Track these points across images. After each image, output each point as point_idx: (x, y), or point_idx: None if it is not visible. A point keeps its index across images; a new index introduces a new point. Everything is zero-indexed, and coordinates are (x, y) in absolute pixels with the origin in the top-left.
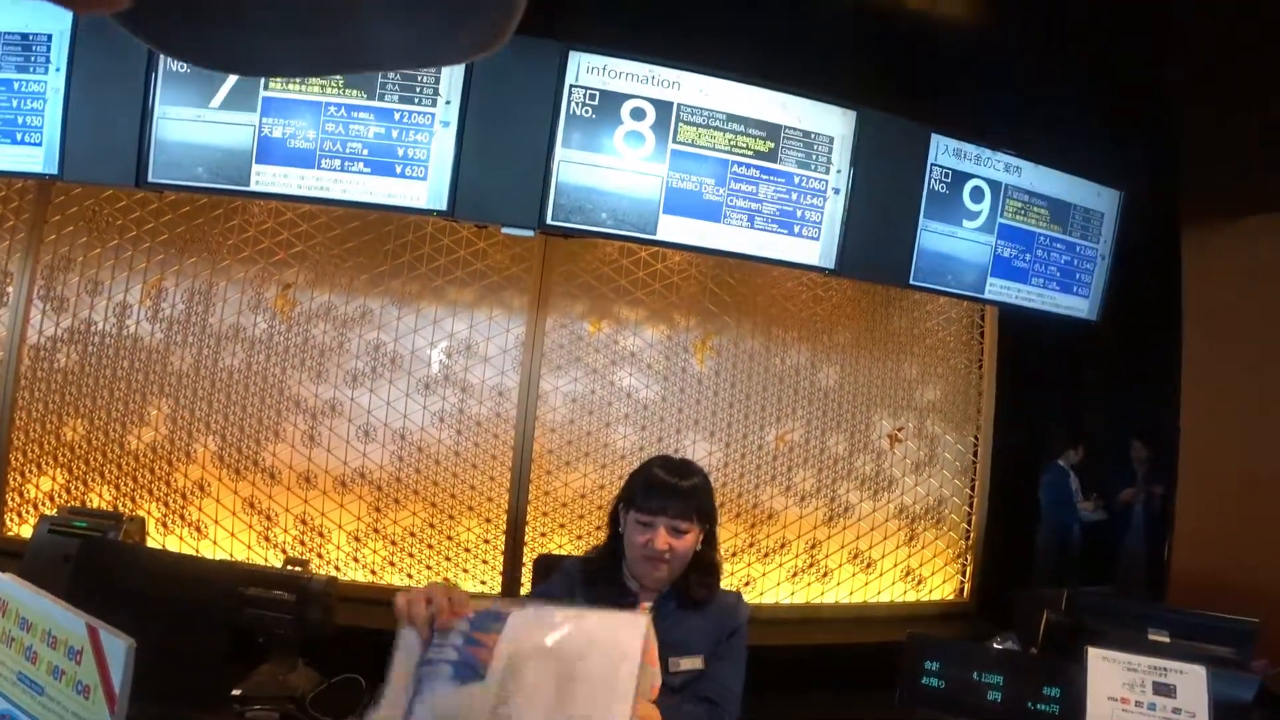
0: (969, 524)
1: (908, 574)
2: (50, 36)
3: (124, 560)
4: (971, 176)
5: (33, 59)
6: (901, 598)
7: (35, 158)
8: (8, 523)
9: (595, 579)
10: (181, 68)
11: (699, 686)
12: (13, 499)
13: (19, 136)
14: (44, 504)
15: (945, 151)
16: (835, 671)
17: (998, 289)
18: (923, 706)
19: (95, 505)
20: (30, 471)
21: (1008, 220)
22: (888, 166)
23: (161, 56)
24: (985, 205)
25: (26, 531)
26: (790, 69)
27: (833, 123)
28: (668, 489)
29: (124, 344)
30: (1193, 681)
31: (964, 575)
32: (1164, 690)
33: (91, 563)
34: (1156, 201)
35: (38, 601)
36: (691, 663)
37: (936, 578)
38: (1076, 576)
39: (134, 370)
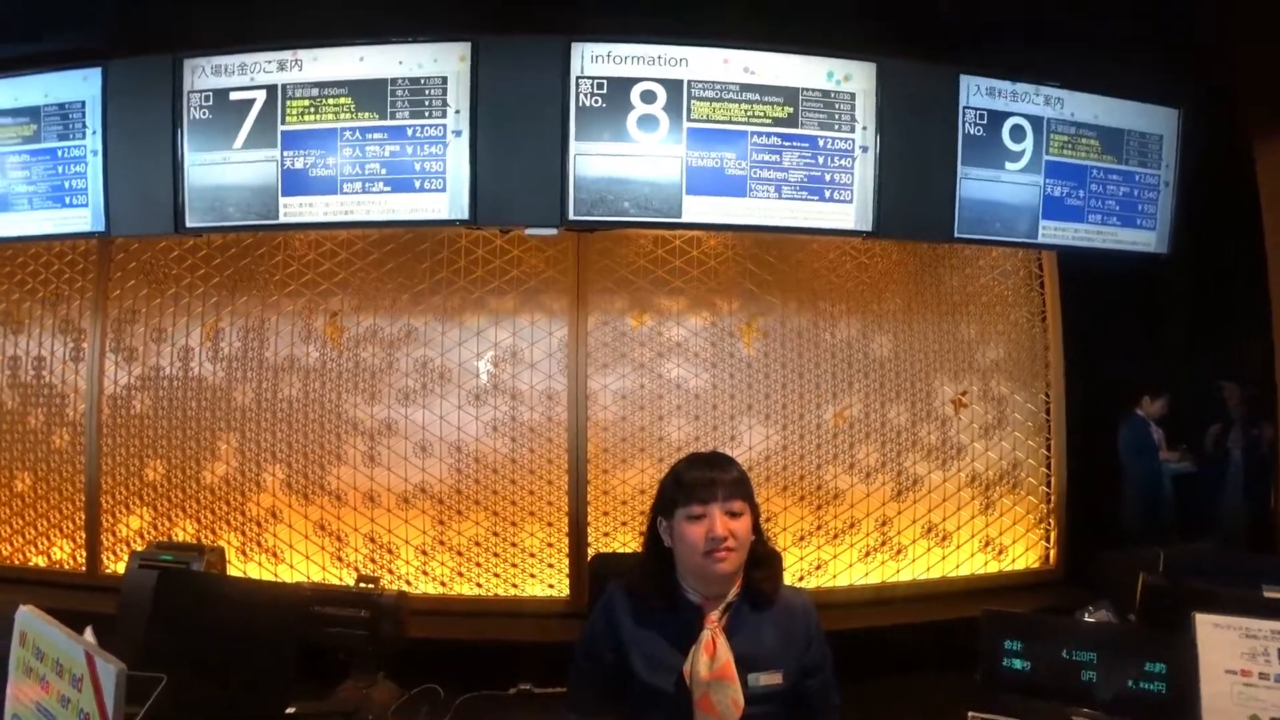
0: (1048, 486)
1: (987, 544)
2: (84, 103)
3: (201, 589)
4: (1009, 115)
5: (70, 126)
6: (982, 569)
7: (84, 218)
8: (105, 561)
9: (653, 599)
10: (204, 114)
11: (808, 712)
12: (107, 538)
13: (67, 200)
14: (134, 541)
15: (977, 92)
16: (915, 652)
17: (1051, 232)
18: (1006, 691)
19: (179, 539)
20: (120, 512)
21: (1054, 156)
22: (916, 116)
23: (186, 108)
24: (1028, 144)
25: (122, 568)
26: (799, 28)
27: (852, 78)
28: (710, 478)
29: (190, 385)
30: None
31: (1048, 541)
32: None
33: (170, 594)
34: (1222, 114)
35: (49, 631)
36: (771, 678)
37: (1018, 546)
38: (1171, 534)
39: (201, 409)
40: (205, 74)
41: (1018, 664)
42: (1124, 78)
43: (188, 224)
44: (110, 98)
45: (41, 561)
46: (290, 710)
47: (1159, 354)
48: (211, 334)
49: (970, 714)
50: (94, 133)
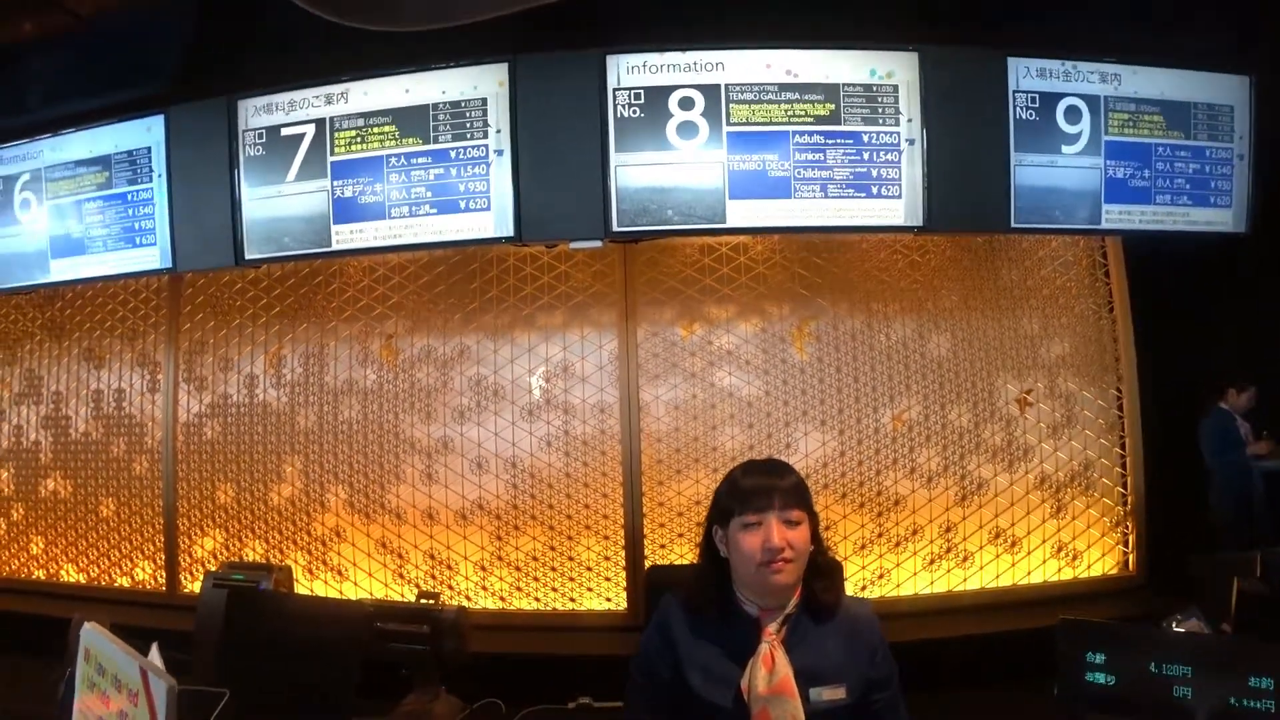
0: (1124, 487)
1: (1059, 550)
2: (150, 149)
3: (268, 607)
4: (1063, 96)
5: (138, 171)
6: (1055, 577)
7: (153, 257)
8: (182, 580)
9: (708, 610)
10: (258, 151)
11: None
12: (184, 559)
13: (137, 240)
14: (209, 561)
15: (1027, 74)
16: (984, 665)
17: (1116, 216)
18: (1089, 708)
19: (250, 559)
20: (195, 534)
21: (1115, 136)
22: (963, 104)
23: (241, 146)
24: (1084, 125)
25: (198, 588)
26: (835, 22)
27: (894, 69)
28: (767, 486)
29: (256, 411)
30: None
31: (1126, 545)
32: None
33: (240, 611)
34: None
35: (109, 647)
36: (834, 693)
37: (1094, 551)
38: (1264, 535)
39: (267, 434)
40: (258, 112)
41: (1100, 678)
42: (1185, 47)
43: (246, 256)
44: (172, 142)
45: (126, 582)
46: None
47: (1243, 342)
48: (274, 361)
49: None
50: (159, 176)
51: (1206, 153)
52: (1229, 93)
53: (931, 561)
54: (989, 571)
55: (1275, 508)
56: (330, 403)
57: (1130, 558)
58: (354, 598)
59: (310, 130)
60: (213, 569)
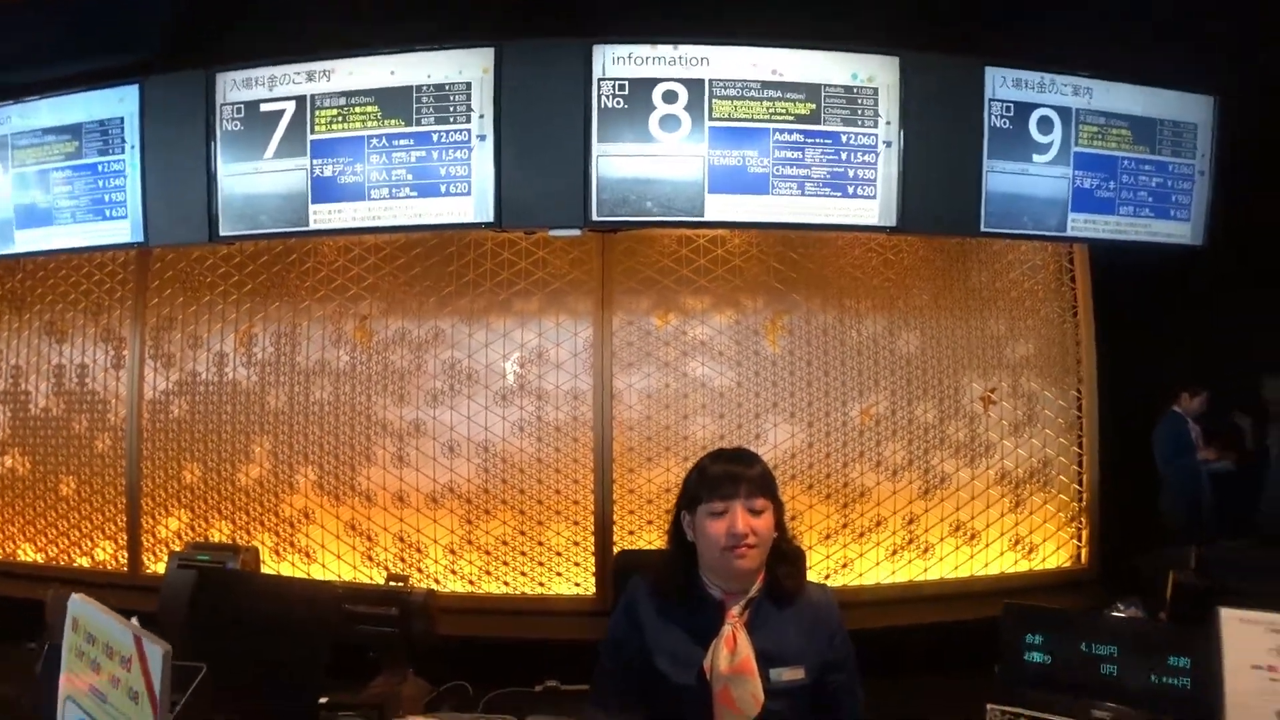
0: (1080, 484)
1: (1016, 543)
2: (122, 119)
3: (235, 587)
4: (1036, 106)
5: (110, 142)
6: (1011, 569)
7: (124, 230)
8: (145, 561)
9: (674, 594)
10: (236, 126)
11: (831, 707)
12: (148, 539)
13: (108, 213)
14: (173, 542)
15: (1003, 83)
16: (942, 651)
17: (1082, 225)
18: (1026, 685)
19: (216, 539)
20: (159, 514)
21: (1084, 147)
22: (941, 109)
23: (219, 121)
24: (1055, 135)
25: (162, 568)
26: (821, 23)
27: (875, 72)
28: (734, 474)
29: (225, 390)
30: None
31: (1080, 540)
32: None
33: (207, 592)
34: (1261, 99)
35: (99, 616)
36: (793, 673)
37: (1049, 545)
38: (1211, 534)
39: (236, 413)
40: (237, 87)
41: (1038, 657)
42: (1156, 65)
43: (221, 233)
44: (147, 113)
45: (86, 562)
46: (323, 700)
47: (1198, 349)
48: (245, 340)
49: (990, 707)
50: (132, 148)
51: (1169, 168)
52: (1194, 111)
53: (894, 552)
54: (949, 563)
55: (1221, 508)
56: (302, 383)
57: (1083, 552)
58: (322, 579)
59: (290, 107)
60: (177, 549)
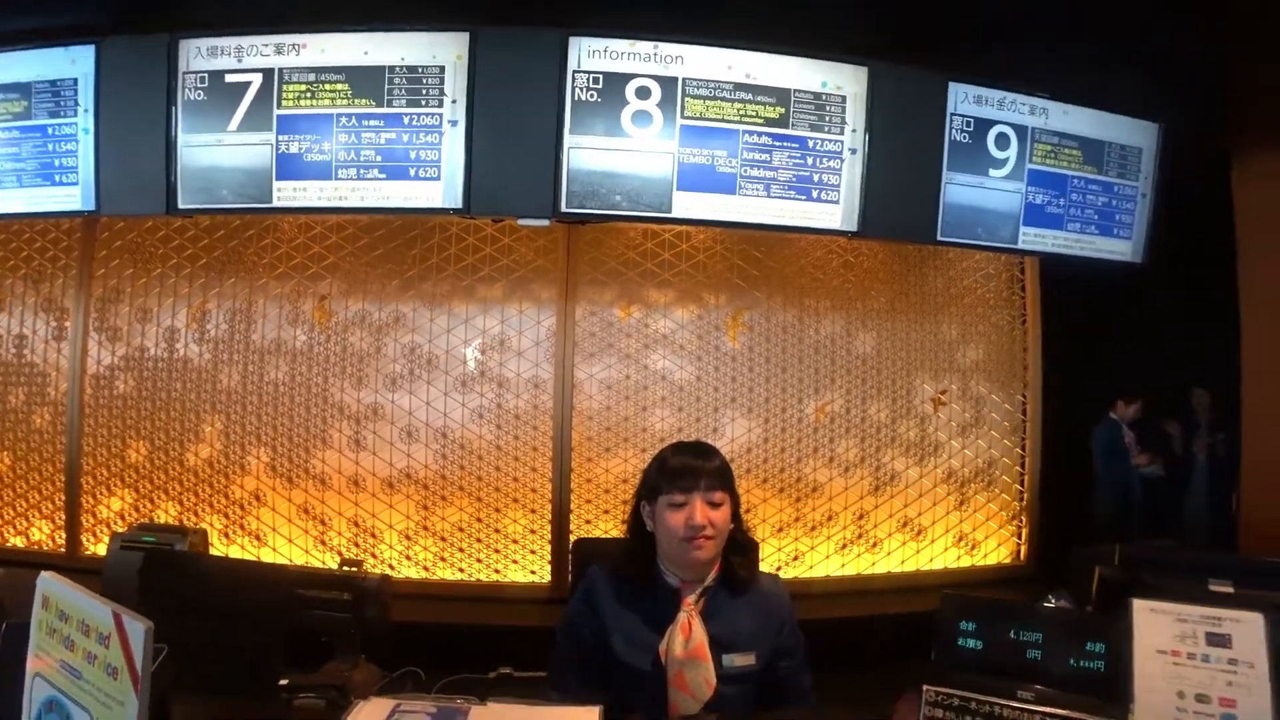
0: (1021, 485)
1: (960, 539)
2: (76, 81)
3: (186, 570)
4: (995, 123)
5: (62, 104)
6: (955, 564)
7: (73, 196)
8: (84, 542)
9: (633, 581)
10: (199, 96)
11: (780, 693)
12: (87, 519)
13: (57, 178)
14: (115, 523)
15: (965, 99)
16: (889, 642)
17: (1032, 238)
18: (959, 668)
19: (162, 521)
20: (101, 493)
21: (1037, 165)
22: (905, 120)
23: (180, 89)
24: (1012, 151)
25: (102, 550)
26: (795, 30)
27: (844, 81)
28: (694, 467)
29: (175, 367)
30: (1249, 630)
31: (1019, 538)
32: (1218, 641)
33: (156, 574)
34: (1201, 130)
35: (73, 594)
36: (744, 659)
37: (990, 541)
38: (1139, 534)
39: (186, 391)
40: (201, 55)
41: (971, 643)
42: (1107, 91)
43: (180, 205)
44: (103, 76)
45: (20, 542)
46: (283, 682)
47: (1135, 360)
48: (198, 315)
49: (925, 687)
50: (86, 111)
51: (1115, 188)
52: (1140, 136)
53: (844, 546)
54: (896, 557)
55: (1149, 509)
56: (256, 362)
57: (1022, 549)
58: (274, 563)
59: (258, 80)
60: (120, 530)
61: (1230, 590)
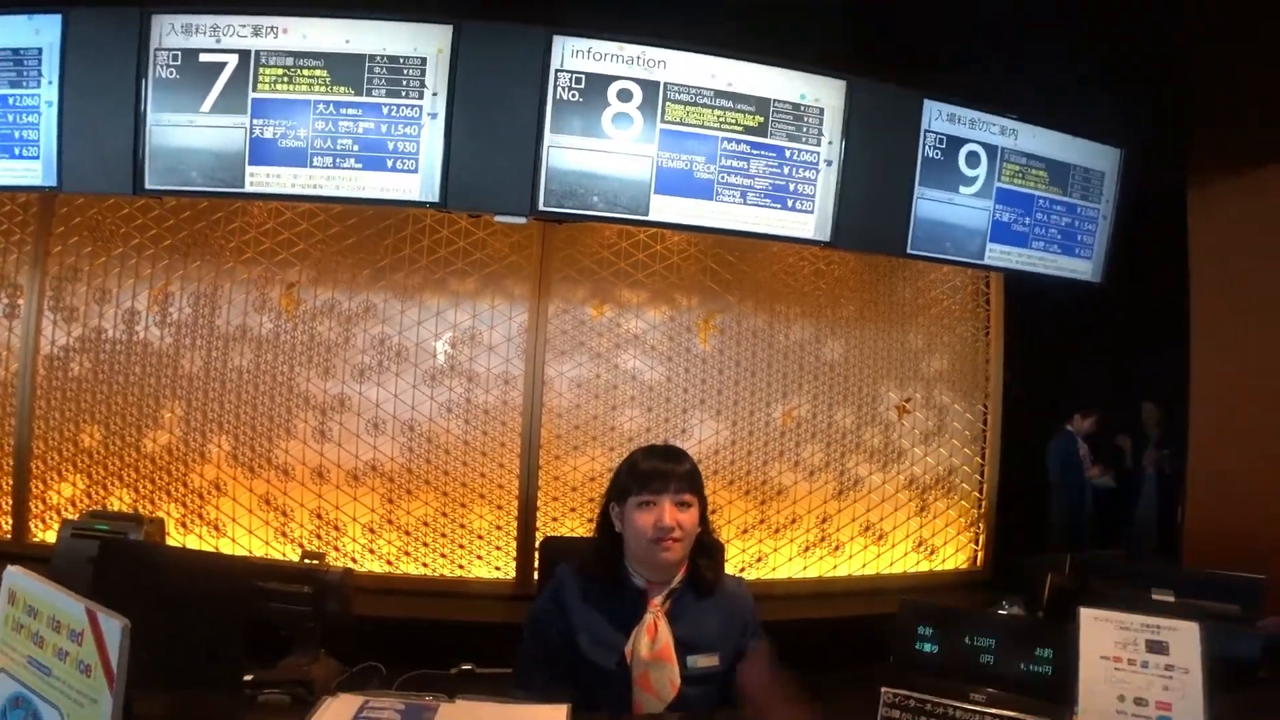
0: (980, 493)
1: (920, 544)
2: (41, 50)
3: (143, 559)
4: (966, 141)
5: (25, 74)
6: (914, 568)
7: (34, 171)
8: (33, 529)
9: (600, 581)
10: (171, 74)
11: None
12: (36, 506)
13: (17, 151)
14: (66, 509)
15: (939, 117)
16: (848, 644)
17: (997, 254)
18: (916, 671)
19: (115, 509)
20: (51, 479)
21: (1005, 184)
22: (880, 135)
23: (152, 65)
24: (982, 170)
25: (51, 537)
26: (777, 41)
27: (822, 94)
28: (664, 470)
29: (134, 350)
30: (1185, 638)
31: (977, 544)
32: (1157, 648)
33: (112, 563)
34: (1159, 158)
35: (43, 589)
36: (709, 660)
37: (949, 547)
38: (1091, 543)
39: (145, 375)
40: (175, 32)
41: (928, 647)
42: (1074, 116)
43: (147, 185)
44: (70, 48)
45: None
46: (248, 677)
47: (1092, 375)
48: (160, 298)
49: (883, 689)
50: (50, 83)
51: (1077, 209)
52: (1103, 160)
53: (807, 549)
54: (857, 561)
55: (1100, 519)
56: (220, 348)
57: (979, 555)
58: (231, 554)
59: (233, 61)
60: (72, 517)
61: (1171, 599)
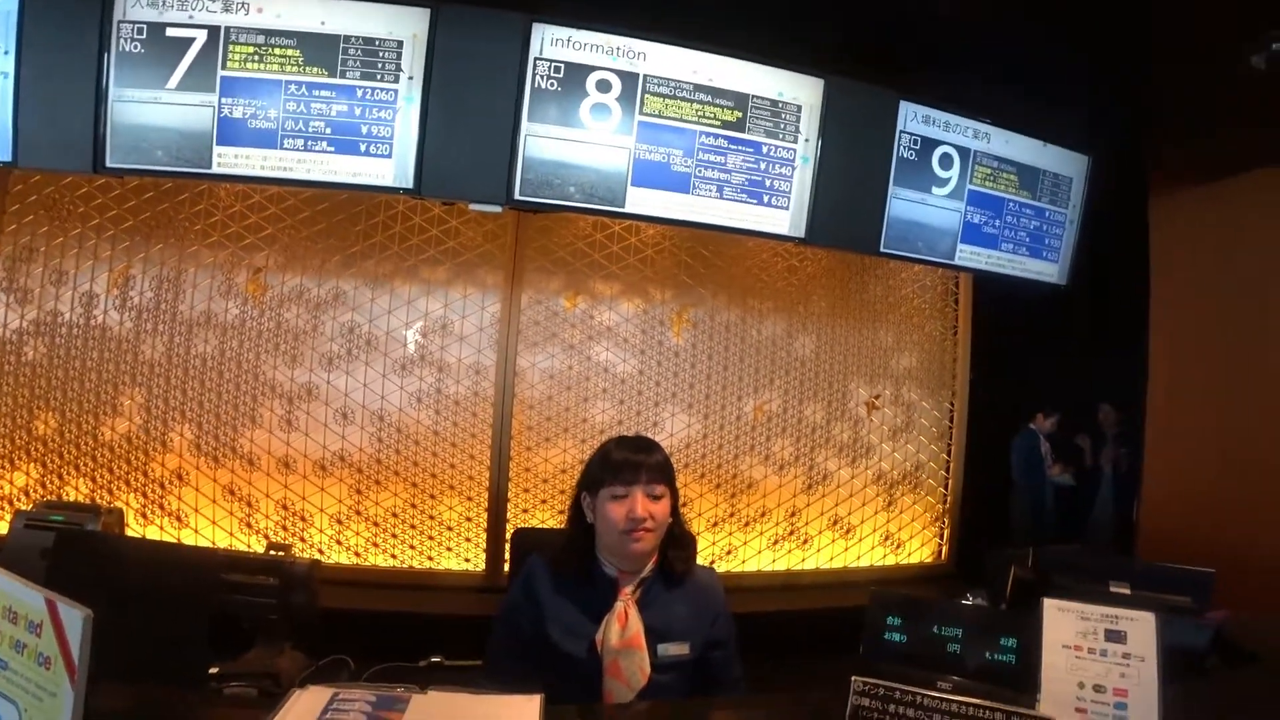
0: (946, 488)
1: (887, 538)
2: None
3: (101, 551)
4: (940, 143)
5: None
6: (881, 562)
7: None
8: None
9: (572, 571)
10: (136, 48)
11: (711, 681)
12: None
13: None
14: (19, 499)
15: (914, 118)
16: (816, 635)
17: (967, 255)
18: (885, 661)
19: (72, 498)
20: (3, 467)
21: (977, 186)
22: (856, 134)
23: (115, 38)
24: (954, 172)
25: (2, 528)
26: (758, 38)
27: (801, 91)
28: (636, 461)
29: (92, 334)
30: (1142, 628)
31: (942, 538)
32: (1115, 637)
33: (68, 555)
34: (1124, 165)
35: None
36: (678, 649)
37: (915, 541)
38: (1051, 538)
39: (104, 361)
40: (140, 5)
41: (897, 637)
42: (1046, 123)
43: (108, 163)
44: (28, 16)
45: None
46: (213, 670)
47: (1056, 375)
48: (120, 281)
49: (854, 678)
50: (6, 53)
51: (1045, 213)
52: (1071, 166)
53: (776, 542)
54: (825, 554)
55: (1060, 515)
56: (183, 334)
57: (944, 549)
58: (198, 546)
59: (202, 36)
60: (24, 507)
61: (1127, 591)
